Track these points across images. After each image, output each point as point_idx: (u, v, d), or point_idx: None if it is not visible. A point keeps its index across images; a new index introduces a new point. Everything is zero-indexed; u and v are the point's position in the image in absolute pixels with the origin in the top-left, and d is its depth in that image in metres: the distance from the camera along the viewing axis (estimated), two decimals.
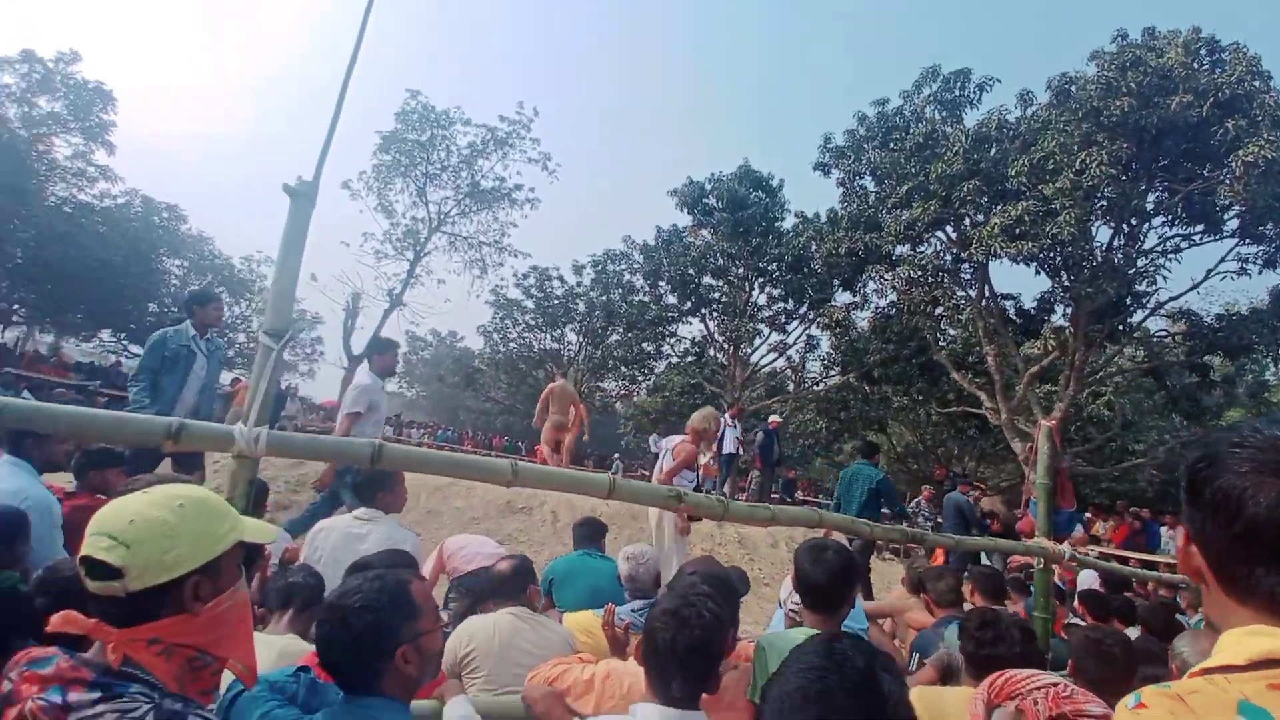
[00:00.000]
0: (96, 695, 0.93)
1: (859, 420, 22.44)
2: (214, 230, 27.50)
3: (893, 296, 16.73)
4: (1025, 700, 1.62)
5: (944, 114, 14.40)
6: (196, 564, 0.99)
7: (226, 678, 1.13)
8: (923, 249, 14.83)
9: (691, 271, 20.73)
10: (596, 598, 3.00)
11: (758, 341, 21.70)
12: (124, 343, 25.43)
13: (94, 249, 20.73)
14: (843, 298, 18.86)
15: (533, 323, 26.67)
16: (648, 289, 22.50)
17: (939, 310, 15.89)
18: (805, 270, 19.31)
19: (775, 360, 22.96)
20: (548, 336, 27.06)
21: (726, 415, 9.80)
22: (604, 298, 24.33)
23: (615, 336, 24.04)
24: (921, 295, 14.57)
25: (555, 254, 62.86)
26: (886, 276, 15.46)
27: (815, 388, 22.63)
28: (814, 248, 17.65)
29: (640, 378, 25.47)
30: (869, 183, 16.11)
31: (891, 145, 14.78)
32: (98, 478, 3.27)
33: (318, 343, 35.28)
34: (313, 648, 1.89)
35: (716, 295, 21.60)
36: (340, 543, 2.86)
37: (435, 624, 1.34)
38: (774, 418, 8.97)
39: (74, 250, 20.15)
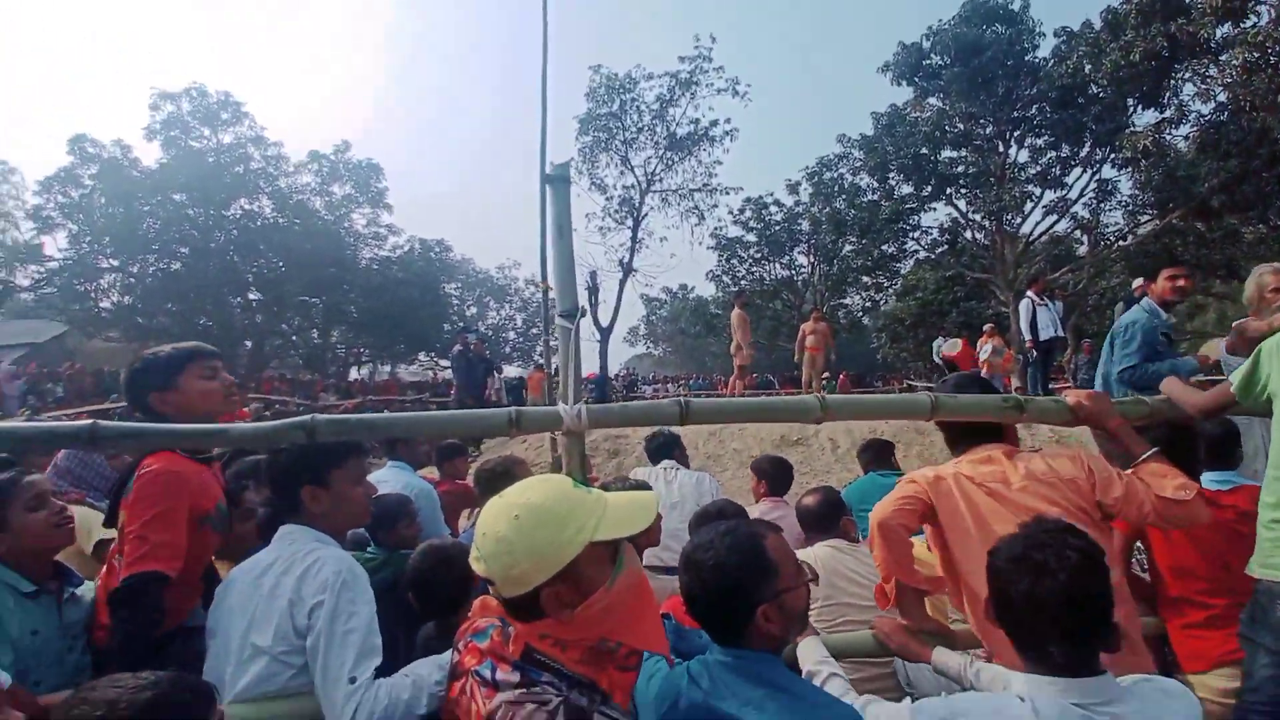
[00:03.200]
0: (517, 678, 0.99)
1: (1196, 269, 17.49)
2: None
3: (1222, 97, 12.42)
4: None
5: None
6: (545, 577, 0.95)
7: None
8: (1251, 23, 10.68)
9: (925, 150, 18.07)
10: None
11: (1027, 207, 18.20)
12: (435, 360, 31.41)
13: (399, 292, 25.95)
14: (1145, 119, 14.71)
15: (759, 255, 26.03)
16: (876, 186, 20.25)
17: None
18: (1080, 102, 15.50)
19: (1056, 223, 19.05)
20: (777, 265, 26.21)
21: (1030, 293, 8.12)
22: (828, 209, 22.58)
23: (849, 247, 22.26)
24: (1265, 82, 10.58)
25: (768, 179, 60.25)
26: (1210, 73, 11.51)
27: (1120, 243, 18.26)
28: (1090, 69, 13.91)
29: (886, 284, 23.31)
30: None
31: None
32: (450, 466, 3.97)
33: None
34: (658, 579, 1.95)
35: (961, 169, 18.56)
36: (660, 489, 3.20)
37: (797, 580, 1.25)
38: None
39: (387, 297, 25.52)
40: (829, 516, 2.40)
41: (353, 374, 30.44)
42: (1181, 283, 3.31)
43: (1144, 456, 1.68)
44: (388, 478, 3.15)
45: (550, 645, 1.00)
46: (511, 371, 21.68)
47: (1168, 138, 14.57)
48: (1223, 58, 11.59)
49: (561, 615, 0.98)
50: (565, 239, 2.20)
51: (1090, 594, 1.10)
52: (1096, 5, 13.77)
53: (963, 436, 1.82)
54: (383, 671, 1.35)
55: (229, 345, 23.37)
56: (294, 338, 26.62)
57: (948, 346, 11.43)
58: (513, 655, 1.01)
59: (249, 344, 24.88)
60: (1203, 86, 13.05)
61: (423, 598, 1.87)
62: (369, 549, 2.36)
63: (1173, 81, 13.38)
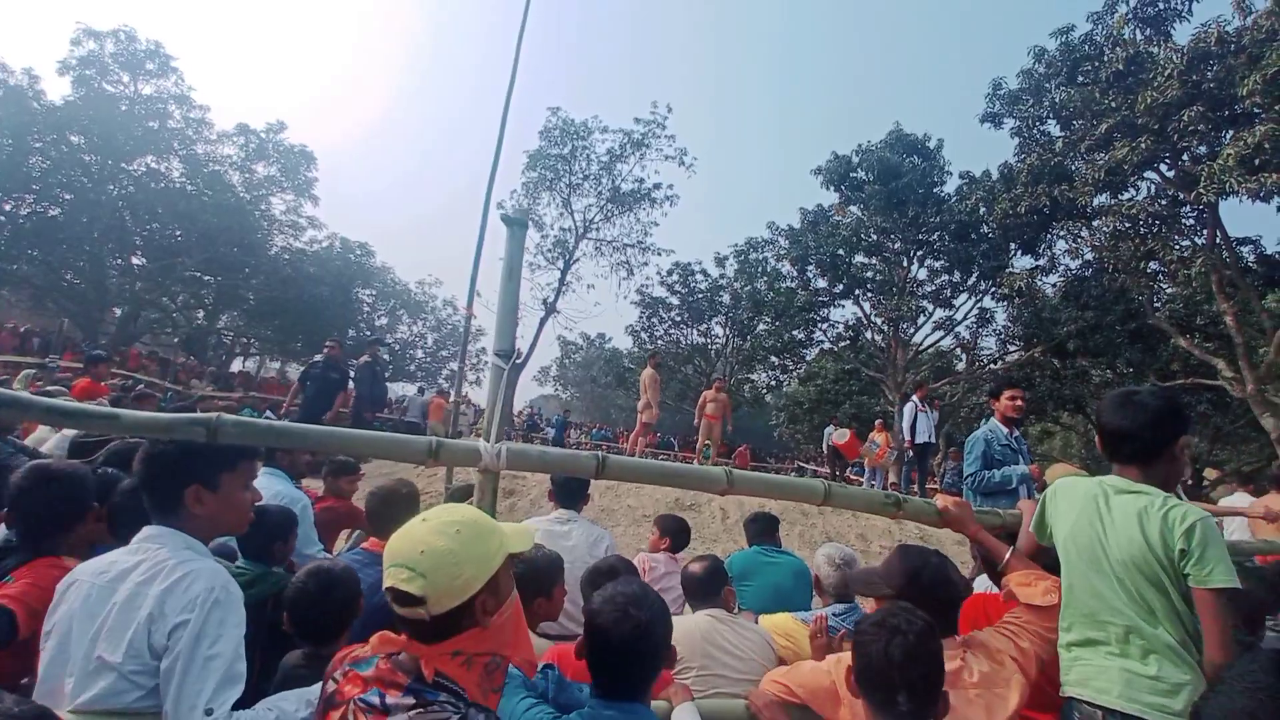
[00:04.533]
0: (411, 700, 0.99)
1: (1049, 400, 19.89)
2: None
3: (1089, 255, 14.51)
4: None
5: (1148, 33, 12.17)
6: (481, 584, 1.03)
7: None
8: (1128, 196, 12.68)
9: (841, 252, 19.58)
10: (779, 595, 3.04)
11: (920, 320, 20.02)
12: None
13: (308, 287, 24.42)
14: (1022, 263, 16.80)
15: (678, 319, 26.84)
16: (795, 274, 21.61)
17: (1153, 266, 13.53)
18: (973, 237, 17.48)
19: (941, 339, 21.05)
20: (694, 331, 27.09)
21: (914, 398, 8.84)
22: (749, 287, 23.81)
23: (763, 326, 23.41)
24: (1131, 250, 12.48)
25: (698, 248, 63.16)
26: (1082, 234, 13.42)
27: (991, 366, 20.41)
28: (984, 211, 15.84)
29: (791, 367, 24.60)
30: (1053, 128, 14.15)
31: (1081, 79, 12.83)
32: (336, 483, 3.70)
33: (482, 353, 38.65)
34: (549, 644, 1.94)
35: (870, 274, 20.24)
36: (546, 541, 2.98)
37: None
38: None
39: (294, 290, 23.92)
40: (711, 585, 2.43)
41: (236, 365, 27.99)
42: (1019, 402, 3.92)
43: (1006, 557, 1.88)
44: (261, 485, 2.93)
45: (458, 665, 1.03)
46: (412, 391, 20.69)
47: (1039, 283, 16.63)
48: (1095, 223, 13.46)
49: (485, 623, 1.04)
50: (514, 281, 2.25)
51: (931, 652, 1.31)
52: (997, 157, 15.94)
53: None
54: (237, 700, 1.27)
55: (98, 310, 20.94)
56: (175, 315, 24.23)
57: (837, 435, 12.00)
58: (428, 677, 1.02)
59: (119, 312, 22.39)
60: (1074, 245, 15.14)
61: (302, 622, 1.75)
62: (239, 562, 2.19)
63: (1049, 236, 15.42)
